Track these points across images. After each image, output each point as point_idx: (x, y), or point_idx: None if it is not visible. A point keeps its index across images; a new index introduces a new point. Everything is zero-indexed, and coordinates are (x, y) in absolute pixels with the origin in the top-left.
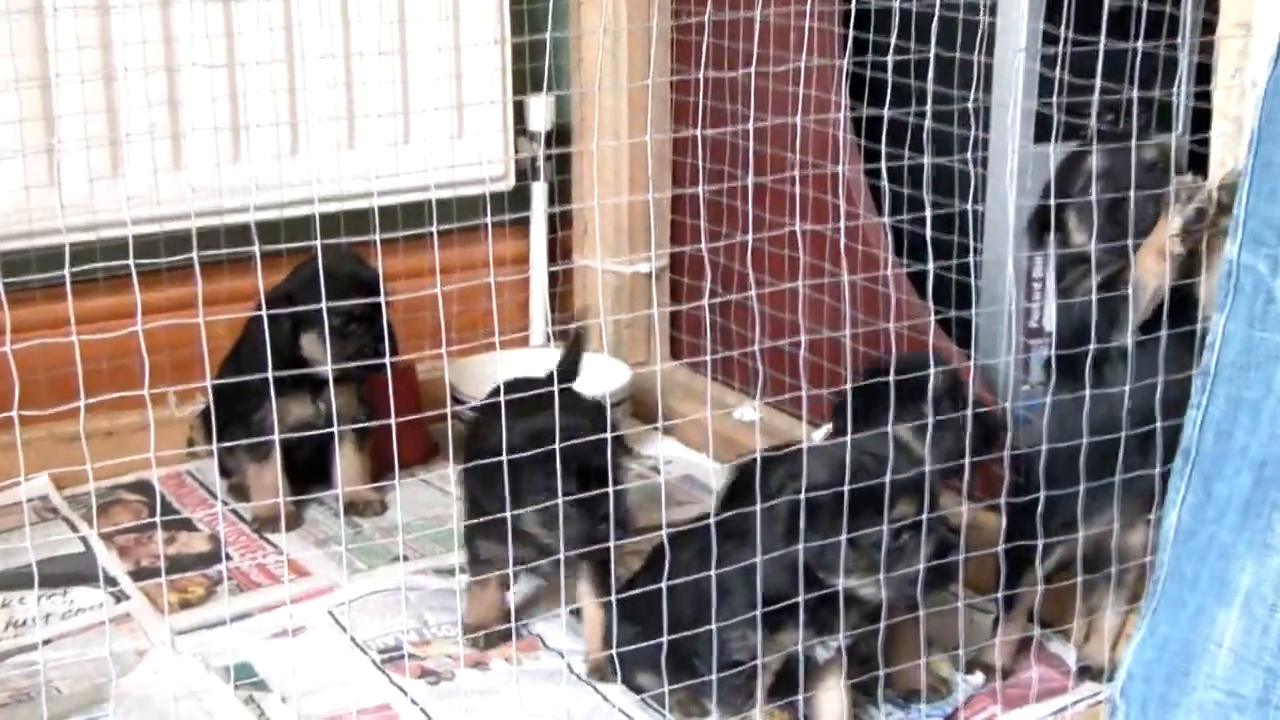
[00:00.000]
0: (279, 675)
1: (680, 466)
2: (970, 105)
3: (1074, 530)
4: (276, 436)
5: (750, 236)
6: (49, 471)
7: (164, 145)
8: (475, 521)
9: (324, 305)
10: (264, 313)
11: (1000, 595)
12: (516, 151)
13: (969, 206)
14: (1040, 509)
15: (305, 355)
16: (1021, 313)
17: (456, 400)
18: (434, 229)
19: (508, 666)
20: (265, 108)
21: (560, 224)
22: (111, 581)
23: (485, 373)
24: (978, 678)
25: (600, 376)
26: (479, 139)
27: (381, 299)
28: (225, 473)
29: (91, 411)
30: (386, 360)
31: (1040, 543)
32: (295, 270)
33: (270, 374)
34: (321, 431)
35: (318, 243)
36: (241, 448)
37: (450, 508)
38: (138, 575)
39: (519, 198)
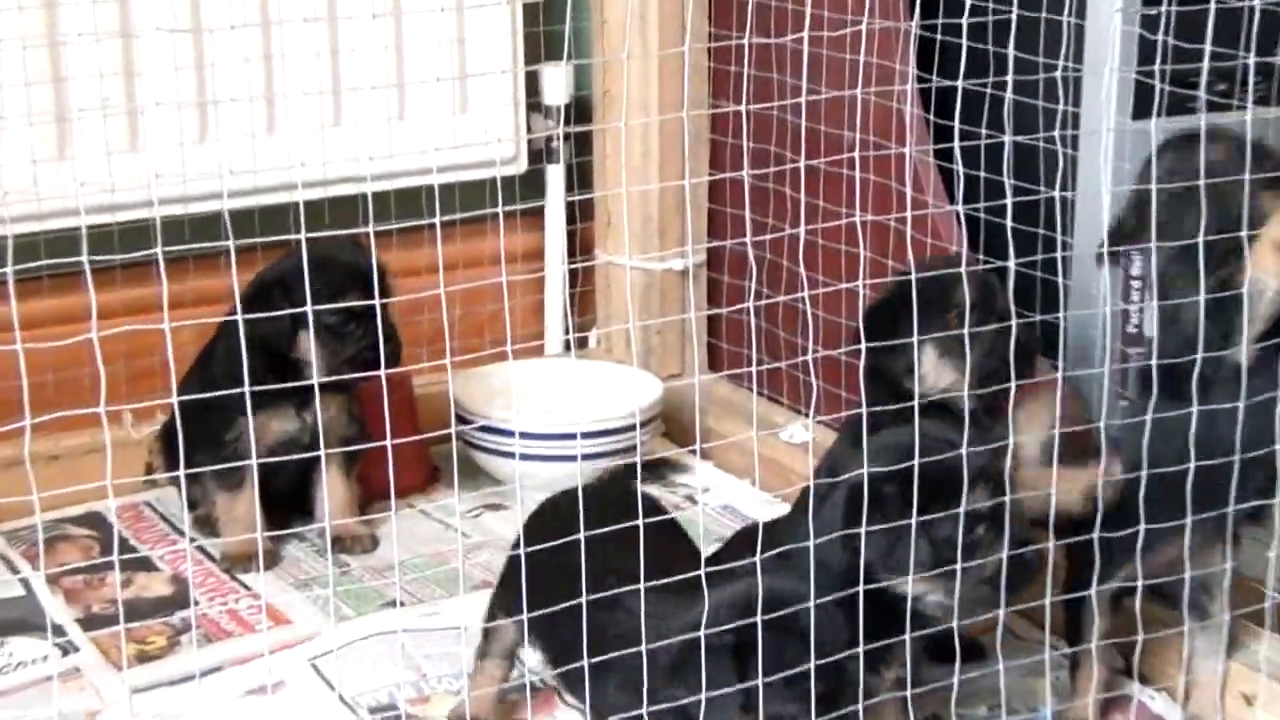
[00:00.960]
0: None
1: (720, 495)
2: (1058, 75)
3: (1150, 555)
4: (254, 461)
5: (803, 228)
6: None
7: (119, 123)
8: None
9: (329, 305)
10: (239, 315)
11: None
12: (529, 129)
13: (1056, 193)
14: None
15: (299, 358)
16: (1118, 316)
17: (459, 419)
18: (437, 220)
19: None
20: (237, 79)
21: (580, 213)
22: (58, 631)
23: (492, 386)
24: None
25: (626, 391)
26: (486, 114)
27: (382, 296)
28: (191, 504)
29: (34, 432)
30: (382, 370)
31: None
32: (283, 256)
33: (248, 387)
34: (307, 455)
35: (301, 236)
36: (209, 474)
37: (453, 543)
38: (88, 623)
39: (532, 183)
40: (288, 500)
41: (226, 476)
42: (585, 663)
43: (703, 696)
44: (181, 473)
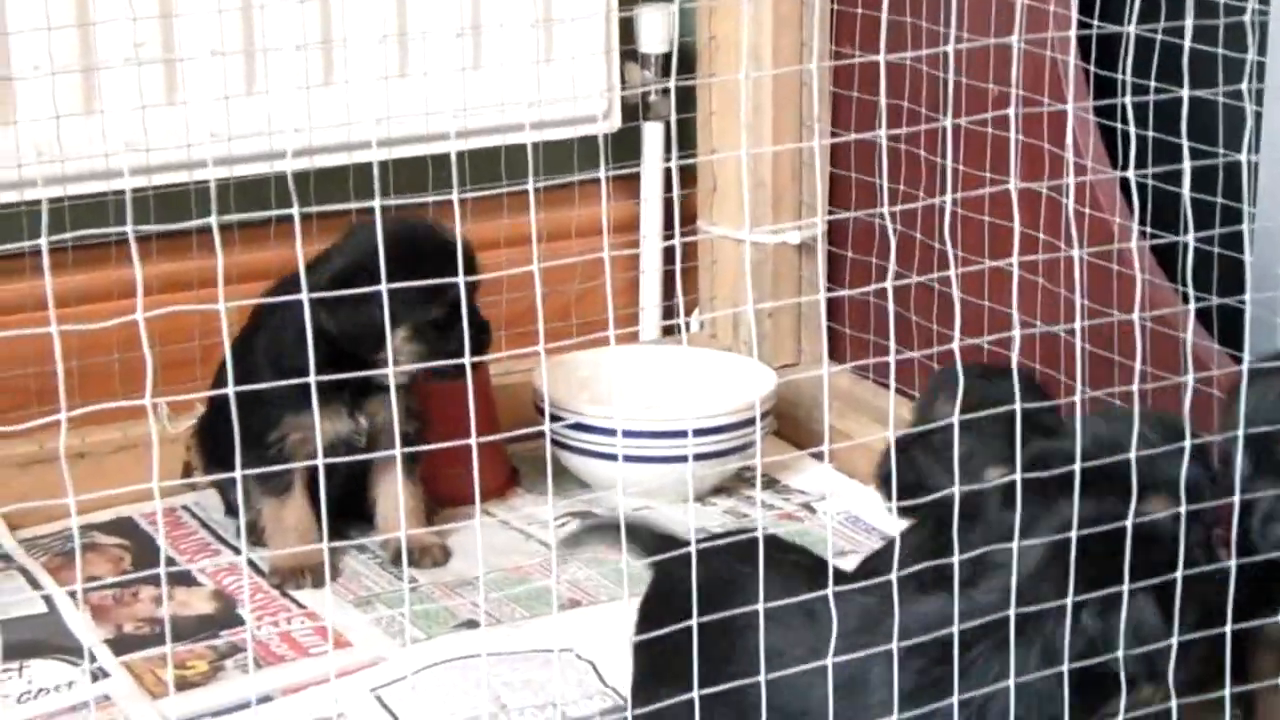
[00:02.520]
0: None
1: (842, 503)
2: (1245, 18)
3: None
4: (299, 464)
5: (949, 195)
6: None
7: (154, 72)
8: None
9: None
10: (304, 296)
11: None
12: (624, 82)
13: (1239, 156)
14: None
15: (389, 356)
16: None
17: (542, 414)
18: (529, 185)
19: None
20: (290, 23)
21: (682, 179)
22: (85, 654)
23: (579, 376)
24: None
25: (736, 383)
26: (573, 64)
27: (472, 278)
28: (231, 510)
29: (54, 429)
30: (468, 366)
31: None
32: (350, 235)
33: (312, 377)
34: (364, 456)
35: (376, 204)
36: (254, 479)
37: (535, 556)
38: (119, 645)
39: (626, 143)
40: (343, 508)
41: (273, 481)
42: None
43: None
44: (214, 476)
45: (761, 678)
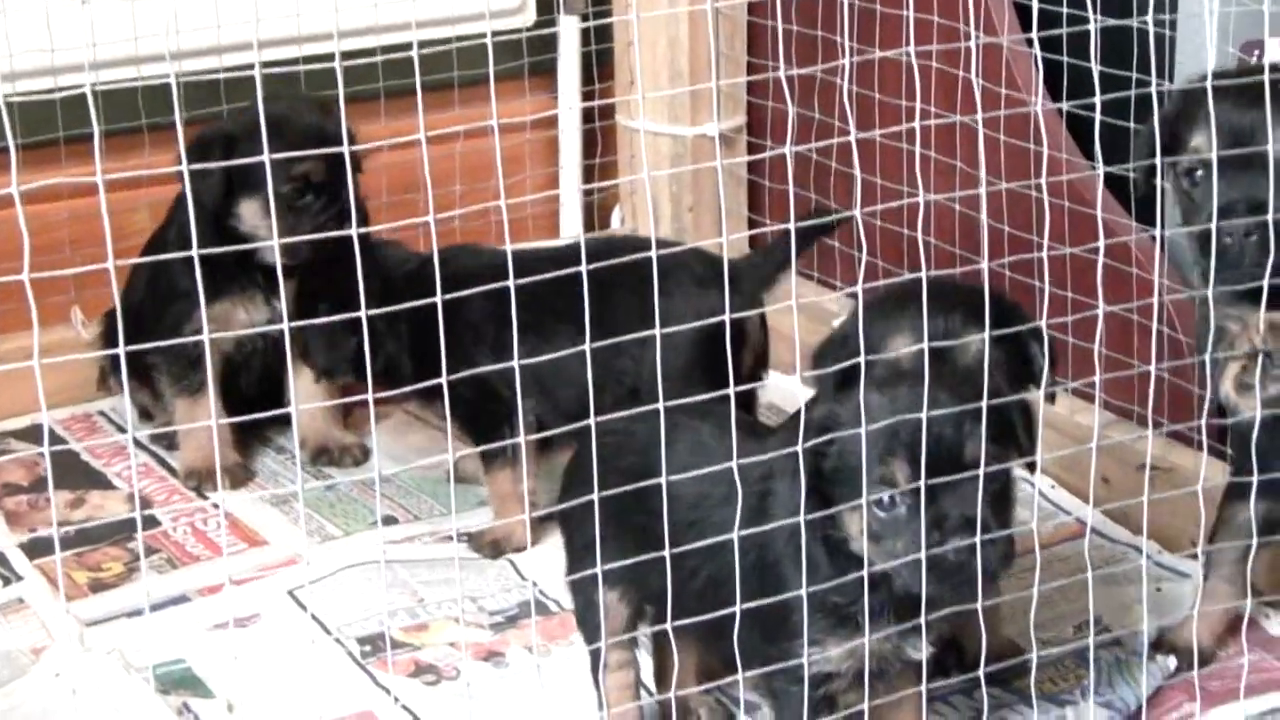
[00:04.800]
0: (223, 677)
1: (768, 392)
2: None
3: None
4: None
5: (847, 61)
6: None
7: None
8: None
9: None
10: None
11: (1201, 550)
12: None
13: (1148, 20)
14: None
15: (243, 229)
16: None
17: None
18: (473, 72)
19: (530, 657)
20: None
21: (598, 72)
22: None
23: None
24: (1169, 662)
25: None
26: None
27: (346, 166)
28: (145, 414)
29: None
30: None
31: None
32: (239, 112)
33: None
34: (271, 328)
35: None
36: (166, 378)
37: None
38: (33, 549)
39: (542, 38)
40: (259, 406)
41: (185, 380)
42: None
43: None
44: (125, 377)
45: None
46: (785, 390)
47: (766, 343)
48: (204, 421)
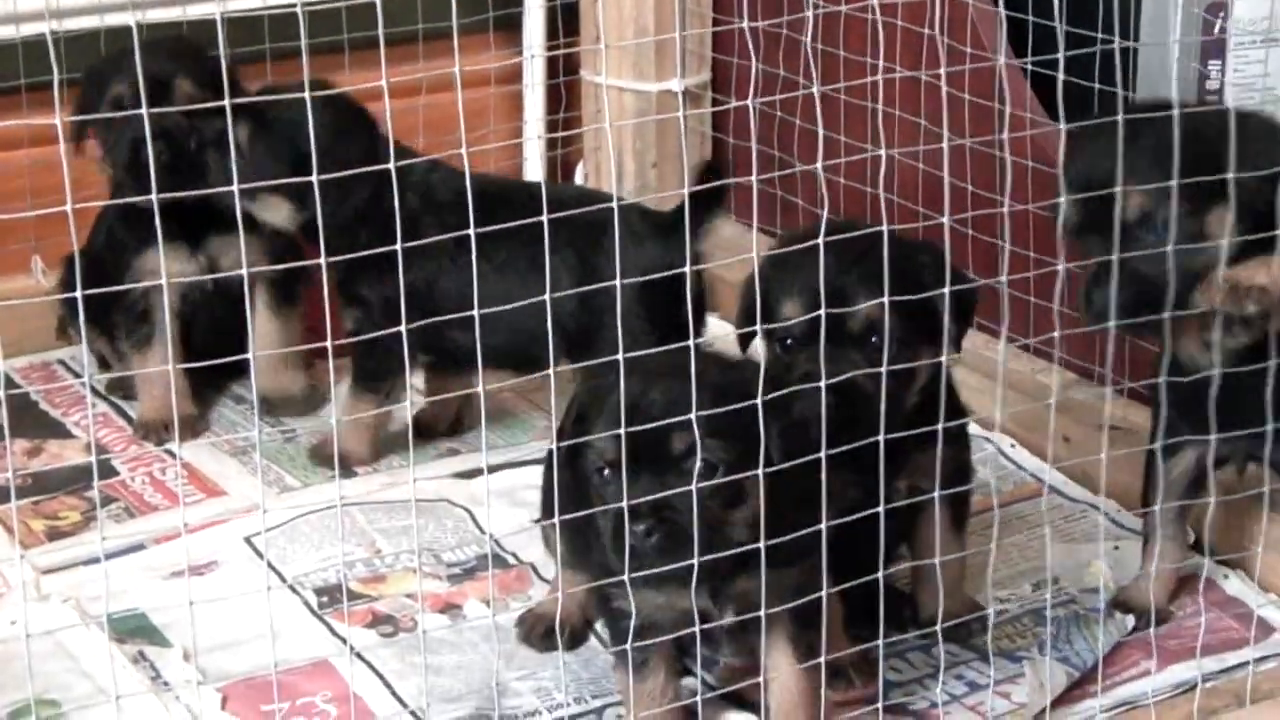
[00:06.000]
0: (180, 626)
1: (723, 347)
2: None
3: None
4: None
5: (810, 14)
6: None
7: None
8: None
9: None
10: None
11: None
12: None
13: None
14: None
15: (109, 173)
16: None
17: None
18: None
19: (487, 610)
20: None
21: (564, 27)
22: None
23: None
24: (1126, 620)
25: None
26: None
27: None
28: (104, 364)
29: None
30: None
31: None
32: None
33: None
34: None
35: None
36: (120, 331)
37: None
38: None
39: None
40: (215, 353)
41: (135, 333)
42: None
43: None
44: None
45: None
46: (726, 334)
47: (703, 291)
48: (155, 369)
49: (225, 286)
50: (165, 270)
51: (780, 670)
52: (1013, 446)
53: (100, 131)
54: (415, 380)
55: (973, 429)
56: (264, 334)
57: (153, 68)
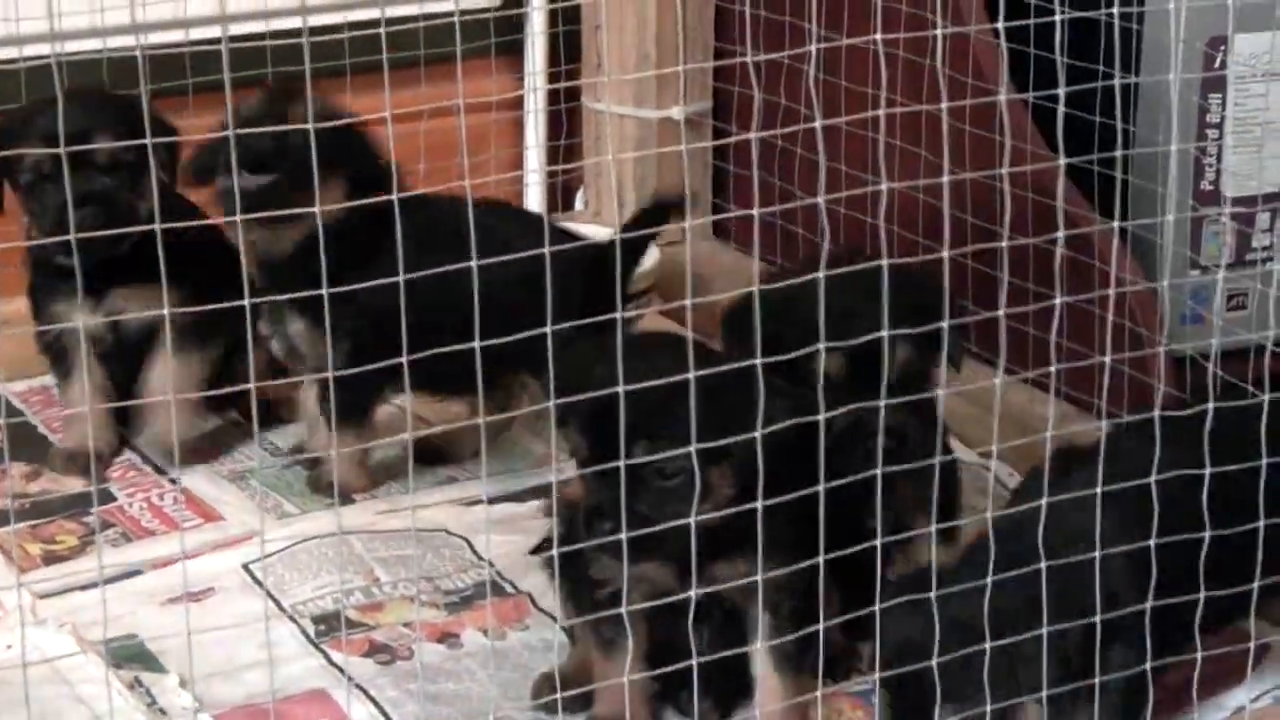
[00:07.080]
0: (176, 652)
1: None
2: None
3: None
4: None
5: (814, 48)
6: None
7: None
8: None
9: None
10: None
11: None
12: None
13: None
14: None
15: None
16: (1189, 164)
17: None
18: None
19: (485, 640)
20: None
21: (565, 54)
22: None
23: None
24: None
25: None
26: None
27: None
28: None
29: None
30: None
31: None
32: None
33: None
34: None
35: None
36: (49, 364)
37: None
38: None
39: (509, 18)
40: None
41: (57, 367)
42: None
43: None
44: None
45: None
46: None
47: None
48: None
49: (125, 334)
50: (78, 319)
51: (762, 674)
52: (1010, 475)
53: (22, 197)
54: (405, 402)
55: (970, 457)
56: (159, 377)
57: (70, 125)
